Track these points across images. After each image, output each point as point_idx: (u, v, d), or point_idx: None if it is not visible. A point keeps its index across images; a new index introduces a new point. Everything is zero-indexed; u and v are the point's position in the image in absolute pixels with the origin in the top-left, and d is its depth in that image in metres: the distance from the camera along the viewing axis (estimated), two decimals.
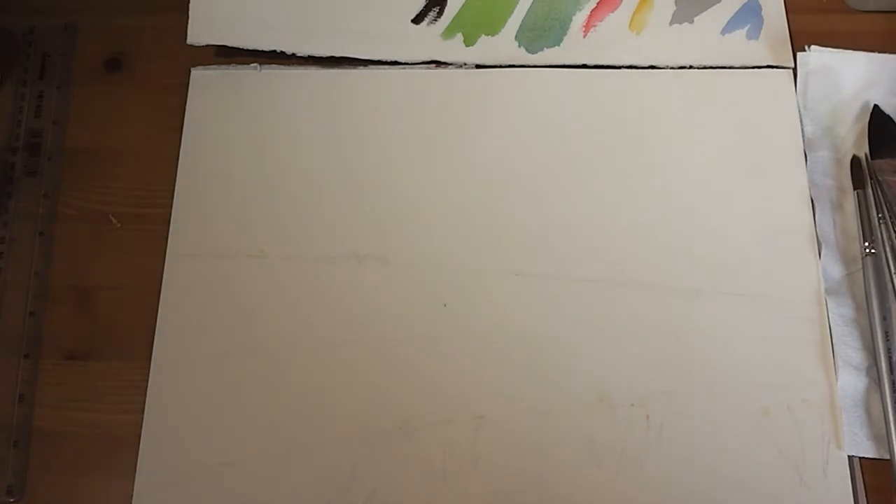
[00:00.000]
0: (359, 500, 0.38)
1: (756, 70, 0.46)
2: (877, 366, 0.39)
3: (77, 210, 0.45)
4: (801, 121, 0.44)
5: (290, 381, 0.40)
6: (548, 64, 0.46)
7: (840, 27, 0.46)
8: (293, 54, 0.46)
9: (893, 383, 0.38)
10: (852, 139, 0.44)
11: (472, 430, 0.39)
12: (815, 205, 0.43)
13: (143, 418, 0.40)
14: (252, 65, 0.47)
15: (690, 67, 0.46)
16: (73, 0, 0.49)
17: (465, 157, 0.44)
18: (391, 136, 0.45)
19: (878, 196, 0.42)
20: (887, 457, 0.38)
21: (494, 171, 0.44)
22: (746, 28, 0.46)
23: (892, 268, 0.40)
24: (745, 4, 0.47)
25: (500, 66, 0.46)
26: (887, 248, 0.41)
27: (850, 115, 0.44)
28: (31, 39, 0.48)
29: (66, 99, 0.47)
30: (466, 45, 0.47)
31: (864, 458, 0.38)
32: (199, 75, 0.47)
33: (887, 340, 0.39)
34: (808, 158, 0.44)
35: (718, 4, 0.47)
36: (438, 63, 0.46)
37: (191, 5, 0.46)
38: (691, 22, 0.47)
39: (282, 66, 0.46)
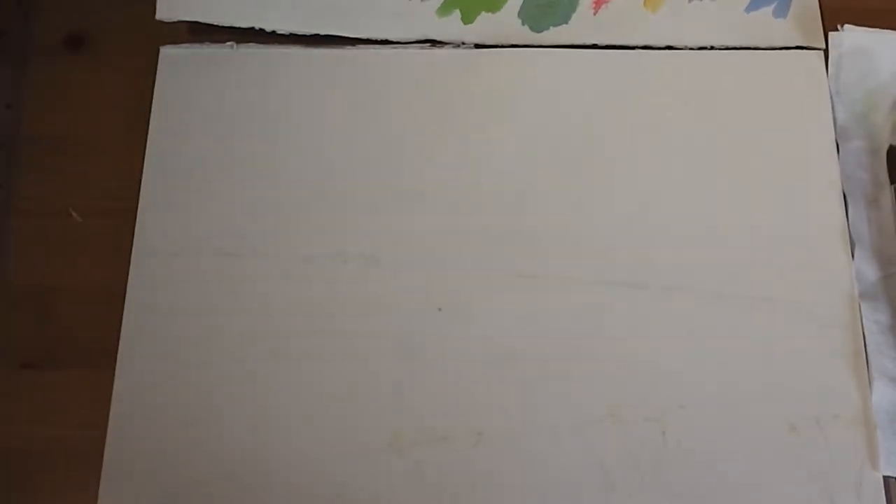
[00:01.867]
0: None
1: (783, 51, 0.45)
2: None
3: (34, 203, 0.44)
4: (832, 107, 0.44)
5: (269, 393, 0.39)
6: (554, 44, 0.45)
7: (876, 4, 0.45)
8: (273, 32, 0.45)
9: None
10: (889, 128, 0.43)
11: (469, 448, 0.38)
12: (848, 200, 0.42)
13: (106, 434, 0.39)
14: (227, 43, 0.46)
15: (711, 48, 0.45)
16: None
17: (462, 146, 0.43)
18: (381, 124, 0.44)
19: None
20: None
21: (495, 163, 0.43)
22: (773, 5, 0.46)
23: None
24: None
25: (502, 46, 0.45)
26: None
27: (886, 100, 0.43)
28: None
29: (22, 80, 0.46)
30: (464, 23, 0.46)
31: None
32: (168, 54, 0.45)
33: None
34: (840, 149, 0.43)
35: None
36: (434, 42, 0.45)
37: None
38: None
39: (260, 45, 0.46)
